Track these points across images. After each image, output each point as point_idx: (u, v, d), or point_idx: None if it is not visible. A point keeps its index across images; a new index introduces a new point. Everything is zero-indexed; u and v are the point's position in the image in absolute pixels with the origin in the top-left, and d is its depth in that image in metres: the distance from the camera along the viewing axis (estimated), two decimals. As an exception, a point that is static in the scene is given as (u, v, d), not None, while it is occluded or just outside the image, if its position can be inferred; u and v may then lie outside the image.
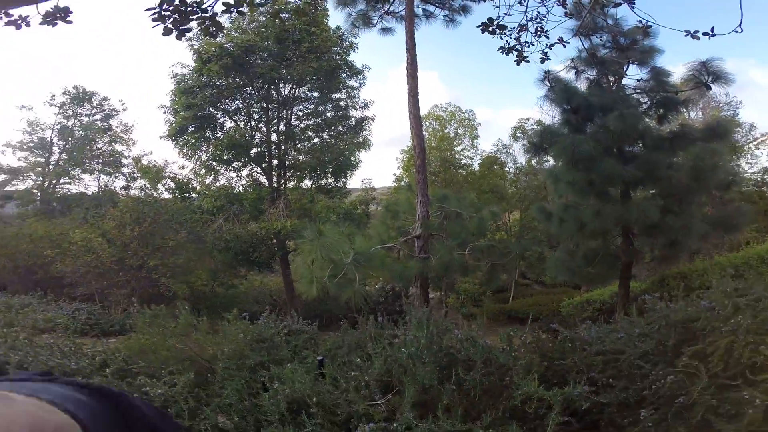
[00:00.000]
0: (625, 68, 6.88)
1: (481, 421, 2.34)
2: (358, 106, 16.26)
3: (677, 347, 2.72)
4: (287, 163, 15.77)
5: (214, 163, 15.37)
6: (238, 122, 16.10)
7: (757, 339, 2.19)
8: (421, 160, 6.50)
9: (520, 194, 23.32)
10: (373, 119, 16.38)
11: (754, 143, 24.33)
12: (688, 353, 2.47)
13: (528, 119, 22.45)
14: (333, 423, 2.48)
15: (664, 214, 5.81)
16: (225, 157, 15.11)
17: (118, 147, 22.04)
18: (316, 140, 16.11)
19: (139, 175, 19.10)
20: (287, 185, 15.80)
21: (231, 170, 15.91)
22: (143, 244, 10.45)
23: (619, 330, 3.14)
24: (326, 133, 16.14)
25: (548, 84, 7.02)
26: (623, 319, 3.60)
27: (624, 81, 7.04)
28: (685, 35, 3.93)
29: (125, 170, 21.69)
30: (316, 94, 15.91)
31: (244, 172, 16.12)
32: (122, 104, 22.61)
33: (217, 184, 15.81)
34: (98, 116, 21.76)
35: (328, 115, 16.02)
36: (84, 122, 21.27)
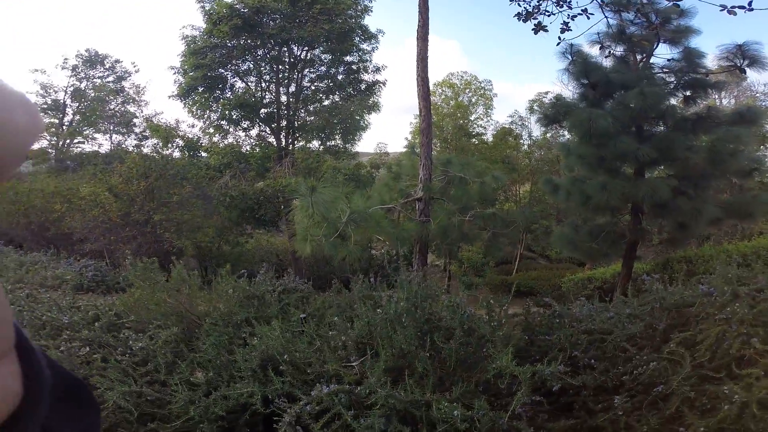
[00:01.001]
0: (654, 46, 6.45)
1: (450, 392, 2.30)
2: (370, 70, 16.14)
3: (667, 332, 2.63)
4: (296, 123, 15.79)
5: (223, 123, 15.61)
6: (248, 83, 16.14)
7: (751, 331, 2.07)
8: (426, 123, 6.28)
9: (532, 167, 22.95)
10: (384, 83, 16.21)
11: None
12: (677, 339, 2.38)
13: (547, 93, 21.72)
14: (303, 382, 2.49)
15: (676, 195, 5.58)
16: (234, 117, 15.31)
17: (130, 108, 22.36)
18: (326, 102, 16.04)
19: (150, 134, 19.35)
20: (295, 145, 15.84)
21: (240, 130, 16.16)
22: (149, 199, 10.52)
23: (610, 309, 3.05)
24: (337, 95, 16.07)
25: (569, 57, 6.67)
26: (618, 299, 3.51)
27: (653, 60, 6.63)
28: (721, 10, 3.59)
29: (137, 129, 22.05)
30: (328, 57, 15.70)
31: (253, 132, 16.37)
32: (134, 66, 22.82)
33: (225, 142, 16.01)
34: (111, 78, 22.10)
35: (339, 77, 15.88)
36: (96, 84, 21.46)
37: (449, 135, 23.85)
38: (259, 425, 2.73)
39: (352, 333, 3.11)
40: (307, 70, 15.91)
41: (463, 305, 2.93)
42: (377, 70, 16.13)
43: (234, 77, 15.88)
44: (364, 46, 15.80)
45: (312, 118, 15.81)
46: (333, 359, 2.75)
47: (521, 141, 24.58)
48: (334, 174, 13.37)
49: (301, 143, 16.25)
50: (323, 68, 15.93)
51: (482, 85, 24.60)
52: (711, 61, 6.33)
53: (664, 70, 6.56)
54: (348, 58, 15.71)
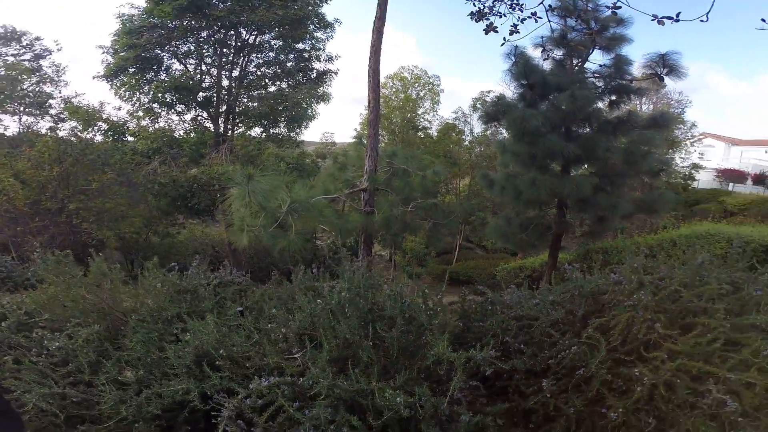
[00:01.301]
0: (590, 52, 6.96)
1: (394, 380, 2.36)
2: (322, 59, 15.76)
3: (585, 318, 2.88)
4: (237, 109, 15.04)
5: (155, 106, 14.47)
6: (187, 65, 15.05)
7: (654, 316, 2.36)
8: (375, 115, 6.28)
9: (472, 162, 24.01)
10: (336, 73, 15.92)
11: (691, 140, 26.59)
12: (593, 325, 2.62)
13: (490, 92, 22.81)
14: (243, 376, 2.41)
15: (596, 191, 6.18)
16: (168, 100, 14.23)
17: (46, 88, 19.83)
18: (272, 89, 15.44)
19: (68, 116, 17.33)
20: (234, 132, 15.08)
21: (173, 113, 15.07)
22: (63, 186, 9.39)
23: (536, 296, 3.30)
24: (284, 83, 15.52)
25: (512, 59, 7.00)
26: (544, 287, 3.79)
27: (587, 65, 7.15)
28: (652, 19, 3.96)
29: (53, 111, 19.69)
30: (278, 42, 15.08)
31: (188, 116, 15.32)
32: (57, 44, 20.30)
33: (156, 126, 14.83)
34: (27, 56, 19.63)
35: (289, 64, 15.35)
36: (9, 63, 18.86)
37: (397, 127, 24.18)
38: (200, 422, 2.64)
39: (293, 324, 3.07)
40: (254, 55, 15.17)
41: (403, 294, 3.00)
42: (330, 59, 15.83)
43: (171, 59, 14.80)
44: (319, 34, 15.44)
45: (255, 104, 15.11)
46: (274, 352, 2.70)
47: (464, 137, 25.61)
48: (276, 162, 12.92)
49: (241, 130, 15.50)
50: (272, 54, 15.31)
51: (431, 80, 25.22)
52: (636, 69, 6.86)
53: (595, 75, 7.13)
54: (300, 46, 15.31)
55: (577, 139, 6.72)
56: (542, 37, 7.14)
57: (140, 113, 14.62)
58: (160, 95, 14.07)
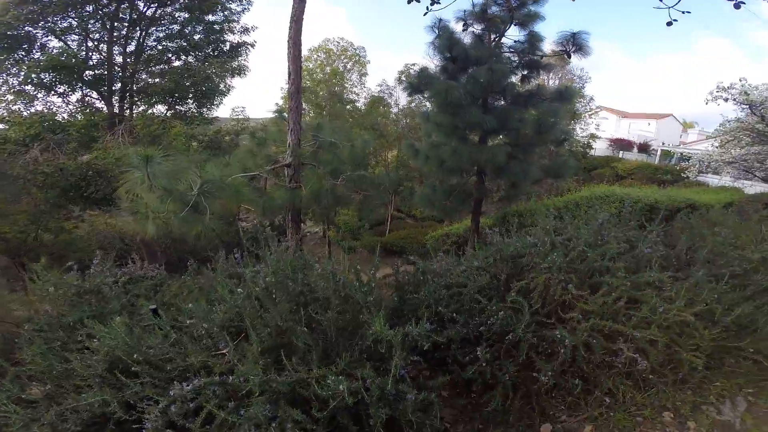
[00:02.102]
0: (507, 27, 7.19)
1: (336, 365, 2.31)
2: (236, 31, 14.42)
3: (508, 281, 3.08)
4: (135, 87, 13.30)
5: (28, 88, 12.22)
6: (68, 42, 12.81)
7: (567, 277, 2.59)
8: (296, 87, 5.94)
9: (399, 133, 24.29)
10: (253, 45, 14.71)
11: (589, 113, 29.67)
12: (516, 288, 2.81)
13: (414, 65, 22.92)
14: (167, 380, 2.20)
15: (510, 159, 6.62)
16: (45, 81, 12.09)
17: None
18: (177, 63, 13.87)
19: None
20: (133, 111, 13.41)
21: (54, 95, 12.90)
22: None
23: (462, 263, 3.46)
24: (192, 57, 14.00)
25: (436, 32, 7.02)
26: (469, 253, 4.00)
27: (504, 40, 7.41)
28: None
29: None
30: (183, 15, 13.40)
31: (74, 98, 13.22)
32: None
33: (31, 110, 12.61)
34: None
35: (197, 37, 13.82)
36: None
37: (323, 101, 23.36)
38: (132, 432, 2.38)
39: (216, 318, 2.87)
40: (154, 28, 13.38)
41: (336, 273, 2.94)
42: (246, 30, 14.54)
43: (47, 36, 12.52)
44: (233, 5, 14.09)
45: (157, 80, 13.45)
46: (198, 350, 2.50)
47: (391, 109, 25.66)
48: (186, 141, 11.77)
49: (141, 109, 13.79)
50: (176, 27, 13.61)
51: (357, 51, 24.56)
52: (546, 45, 7.34)
53: (511, 50, 7.45)
54: (210, 17, 13.83)
55: (494, 110, 7.07)
56: (464, 10, 7.24)
57: (9, 97, 12.31)
58: (34, 76, 11.94)
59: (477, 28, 7.44)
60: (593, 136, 27.42)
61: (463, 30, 7.35)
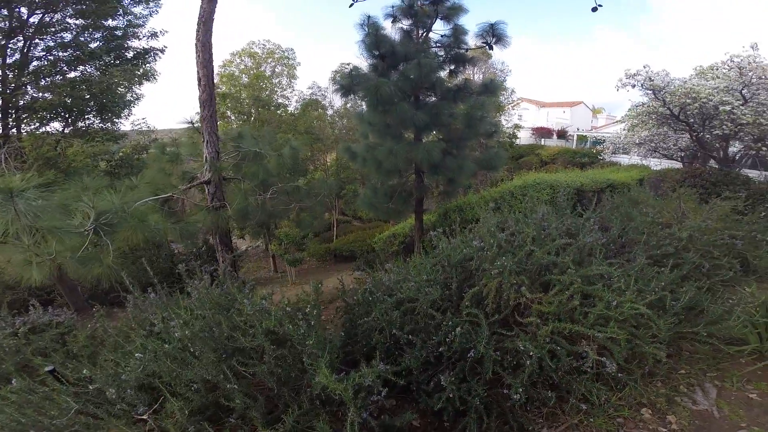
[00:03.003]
0: (432, 22, 7.11)
1: (283, 423, 1.92)
2: (142, 36, 12.99)
3: (460, 289, 2.85)
4: (22, 102, 11.44)
5: None
6: None
7: (518, 280, 2.40)
8: (208, 94, 5.31)
9: (336, 136, 23.84)
10: (163, 51, 13.35)
11: (512, 105, 31.44)
12: (468, 296, 2.58)
13: (349, 64, 22.53)
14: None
15: (445, 156, 6.54)
16: None
17: None
18: (73, 74, 12.18)
19: None
20: (21, 130, 11.56)
21: None
22: None
23: (410, 278, 3.17)
24: (90, 66, 12.39)
25: (366, 29, 6.73)
26: (416, 261, 3.71)
27: (431, 35, 7.31)
28: None
29: None
30: (78, 21, 11.75)
31: None
32: None
33: None
34: None
35: (94, 45, 12.25)
36: None
37: (248, 107, 22.15)
38: None
39: (129, 377, 2.32)
40: (42, 37, 11.60)
41: (268, 309, 2.49)
42: (153, 35, 13.15)
43: None
44: (138, 9, 12.63)
45: (47, 94, 11.67)
46: (110, 417, 1.98)
47: (326, 111, 25.08)
48: (91, 162, 10.36)
49: (32, 126, 11.92)
50: (68, 35, 11.92)
51: (285, 54, 23.58)
52: (470, 39, 7.30)
53: (438, 44, 7.38)
54: (111, 23, 12.29)
55: (425, 107, 6.96)
56: (392, 6, 7.08)
57: None
58: None
59: (405, 23, 7.32)
60: (517, 127, 29.13)
61: (393, 25, 7.20)
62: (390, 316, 2.61)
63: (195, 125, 5.44)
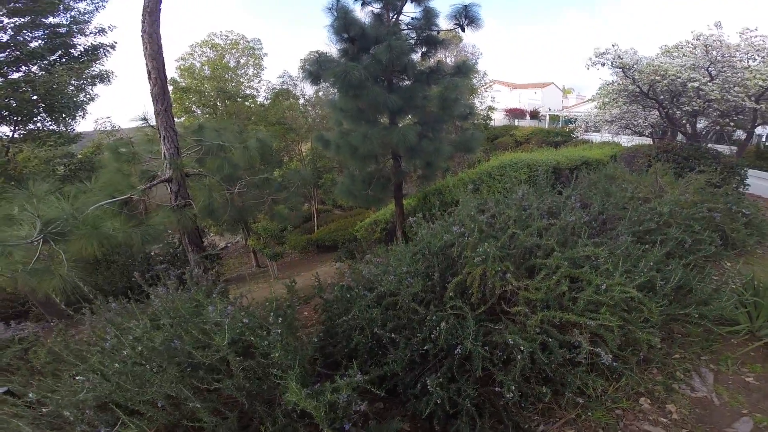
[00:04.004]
0: (402, 4, 6.82)
1: None
2: (89, 32, 12.13)
3: (443, 278, 2.69)
4: None
5: None
6: None
7: (503, 266, 2.25)
8: (160, 88, 4.91)
9: (309, 125, 23.25)
10: (113, 47, 12.55)
11: (485, 87, 31.42)
12: (451, 286, 2.42)
13: (317, 51, 21.68)
14: None
15: (421, 139, 6.35)
16: None
17: None
18: (16, 75, 11.30)
19: None
20: None
21: None
22: None
23: (390, 270, 2.98)
24: (35, 66, 11.52)
25: (335, 14, 6.38)
26: (396, 251, 3.53)
27: (402, 17, 7.02)
28: None
29: None
30: (16, 20, 10.81)
31: None
32: None
33: None
34: None
35: (35, 44, 11.37)
36: None
37: (212, 99, 21.25)
38: None
39: (87, 395, 2.08)
40: None
41: (234, 314, 2.26)
42: (101, 31, 12.32)
43: None
44: (81, 4, 11.74)
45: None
46: None
47: (298, 101, 24.37)
48: (45, 167, 9.67)
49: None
50: (3, 34, 10.98)
51: (251, 44, 22.62)
52: (442, 21, 7.08)
53: (409, 27, 7.11)
54: (53, 20, 11.38)
55: (399, 90, 6.73)
56: None
57: None
58: None
59: (376, 6, 7.03)
60: (491, 108, 29.20)
61: (362, 8, 6.88)
62: (370, 314, 2.42)
63: (149, 122, 5.03)
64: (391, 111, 6.42)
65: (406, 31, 7.17)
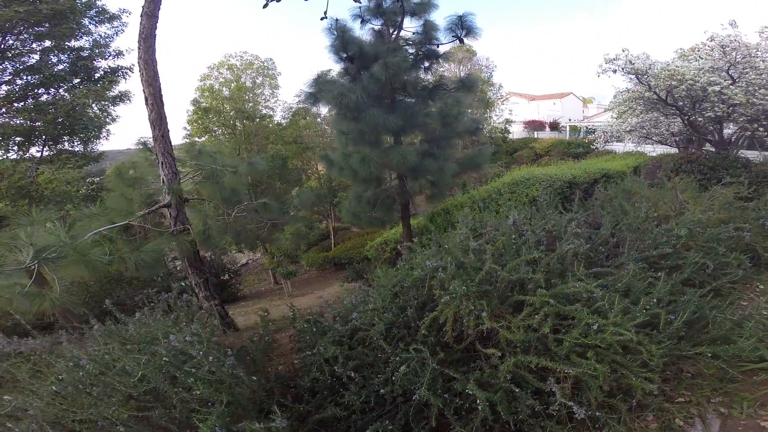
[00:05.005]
0: (401, 19, 6.78)
1: None
2: (107, 55, 12.88)
3: (420, 313, 2.48)
4: None
5: None
6: None
7: (478, 304, 2.00)
8: (156, 113, 4.97)
9: (325, 144, 23.55)
10: (131, 69, 13.22)
11: (501, 100, 31.14)
12: (425, 324, 2.20)
13: (329, 71, 22.15)
14: None
15: (425, 158, 6.15)
16: None
17: None
18: (45, 97, 11.99)
19: None
20: None
21: None
22: None
23: (369, 300, 2.78)
24: (61, 89, 12.22)
25: (334, 33, 6.40)
26: (380, 281, 3.32)
27: (404, 33, 6.98)
28: None
29: None
30: (42, 44, 11.63)
31: None
32: None
33: None
34: None
35: (60, 67, 12.08)
36: None
37: (232, 120, 21.89)
38: None
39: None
40: (2, 62, 11.44)
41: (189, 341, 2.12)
42: (119, 54, 13.02)
43: None
44: (103, 28, 12.50)
45: (19, 120, 11.40)
46: None
47: (316, 119, 24.80)
48: (69, 191, 10.03)
49: (9, 155, 11.67)
50: (31, 58, 11.76)
51: (265, 64, 23.34)
52: (442, 34, 6.88)
53: (409, 42, 7.03)
54: (75, 44, 12.14)
55: (401, 108, 6.60)
56: (360, 6, 6.73)
57: None
58: None
59: (376, 24, 6.99)
60: (508, 121, 28.75)
61: (362, 26, 6.87)
62: (332, 350, 2.24)
63: (149, 146, 5.08)
64: (391, 132, 6.28)
65: (406, 47, 7.09)
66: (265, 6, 4.02)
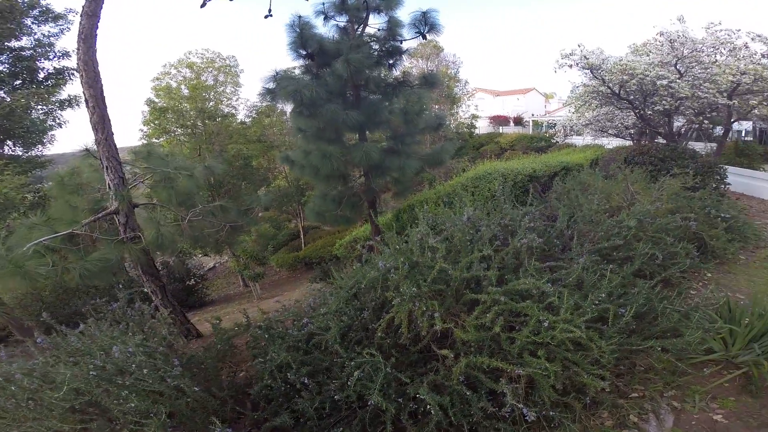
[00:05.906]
0: (365, 16, 6.66)
1: None
2: (52, 56, 12.07)
3: (377, 315, 2.42)
4: None
5: None
6: None
7: (431, 305, 1.95)
8: (98, 116, 4.65)
9: (289, 142, 23.03)
10: (77, 70, 12.39)
11: (467, 95, 31.55)
12: (381, 327, 2.14)
13: (295, 68, 21.55)
14: None
15: (388, 155, 6.09)
16: None
17: None
18: None
19: None
20: None
21: None
22: None
23: (328, 300, 2.69)
24: (1, 91, 11.37)
25: (297, 30, 6.18)
26: (338, 282, 3.23)
27: (369, 30, 6.86)
28: None
29: None
30: None
31: None
32: None
33: None
34: None
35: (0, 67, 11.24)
36: None
37: (191, 119, 20.99)
38: None
39: None
40: None
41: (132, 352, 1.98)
42: (65, 55, 12.20)
43: None
44: (46, 28, 11.67)
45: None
46: None
47: (282, 117, 24.18)
48: (14, 198, 9.31)
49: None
50: None
51: (227, 62, 22.47)
52: (407, 31, 6.90)
53: (373, 38, 6.93)
54: (16, 44, 11.30)
55: (364, 105, 6.50)
56: (323, 3, 6.55)
57: None
58: None
59: (340, 20, 6.83)
60: (474, 117, 29.21)
61: (325, 23, 6.70)
62: (284, 357, 2.15)
63: (92, 151, 4.72)
64: (351, 128, 6.17)
65: (371, 43, 6.99)
66: (202, 6, 3.81)
